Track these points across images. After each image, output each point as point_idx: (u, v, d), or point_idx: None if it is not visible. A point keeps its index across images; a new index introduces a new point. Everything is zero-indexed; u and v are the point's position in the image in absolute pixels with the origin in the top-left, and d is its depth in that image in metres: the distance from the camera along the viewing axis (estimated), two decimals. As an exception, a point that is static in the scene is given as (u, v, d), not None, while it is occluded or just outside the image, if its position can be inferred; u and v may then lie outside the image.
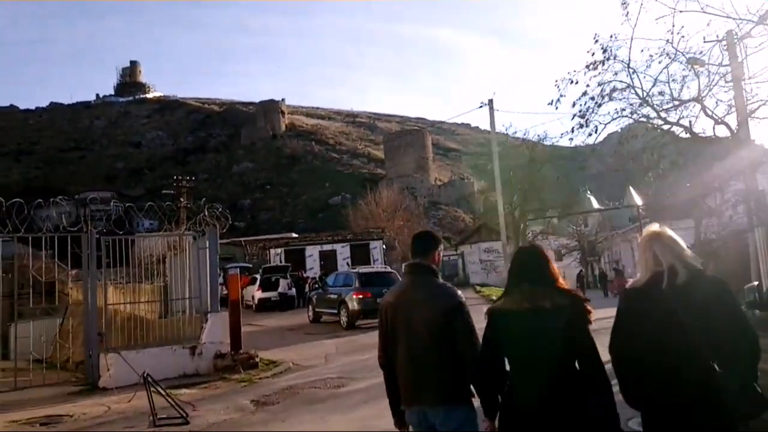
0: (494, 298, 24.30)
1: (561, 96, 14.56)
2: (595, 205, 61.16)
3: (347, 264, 31.12)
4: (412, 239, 3.29)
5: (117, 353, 9.36)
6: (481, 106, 25.81)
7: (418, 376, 2.91)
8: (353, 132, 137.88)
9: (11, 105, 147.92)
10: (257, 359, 10.50)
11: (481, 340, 2.76)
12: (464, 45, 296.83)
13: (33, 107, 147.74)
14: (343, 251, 33.42)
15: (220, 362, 10.05)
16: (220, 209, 10.83)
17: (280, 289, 25.46)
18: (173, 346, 10.03)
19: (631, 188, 67.21)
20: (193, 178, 32.70)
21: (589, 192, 63.05)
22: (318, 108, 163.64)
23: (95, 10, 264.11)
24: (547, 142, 35.25)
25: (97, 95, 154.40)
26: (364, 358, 11.36)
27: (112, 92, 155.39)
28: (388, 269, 19.97)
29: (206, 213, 10.72)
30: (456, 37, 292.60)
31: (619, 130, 16.17)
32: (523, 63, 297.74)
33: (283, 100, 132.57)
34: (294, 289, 26.16)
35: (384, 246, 35.60)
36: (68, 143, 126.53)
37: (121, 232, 9.98)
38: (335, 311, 17.44)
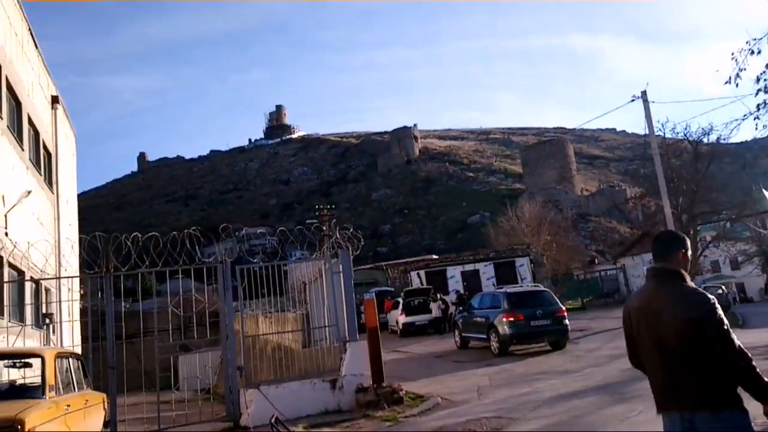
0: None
1: (740, 70, 12.05)
2: (773, 204, 52.82)
3: (492, 284, 29.28)
4: (653, 241, 3.12)
5: (257, 389, 8.84)
6: (632, 100, 23.01)
7: (675, 381, 2.83)
8: (487, 149, 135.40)
9: (178, 156, 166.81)
10: (402, 393, 9.43)
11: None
12: (599, 47, 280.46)
13: (196, 156, 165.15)
14: (486, 270, 31.56)
15: (362, 397, 9.14)
16: (351, 230, 10.08)
17: (434, 313, 24.35)
18: (313, 380, 9.33)
19: (816, 183, 57.35)
20: (334, 207, 33.29)
21: (765, 190, 54.75)
22: (450, 129, 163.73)
23: (241, 65, 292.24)
24: (714, 136, 30.66)
25: (250, 140, 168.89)
26: (523, 392, 9.81)
27: (262, 136, 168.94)
28: (541, 287, 18.00)
29: (338, 235, 10.02)
30: (589, 41, 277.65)
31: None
32: (667, 59, 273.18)
33: (415, 125, 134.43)
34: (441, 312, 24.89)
35: (531, 263, 33.12)
36: (227, 185, 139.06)
37: (254, 261, 9.60)
38: (484, 336, 15.90)
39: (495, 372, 12.44)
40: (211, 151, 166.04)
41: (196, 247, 8.87)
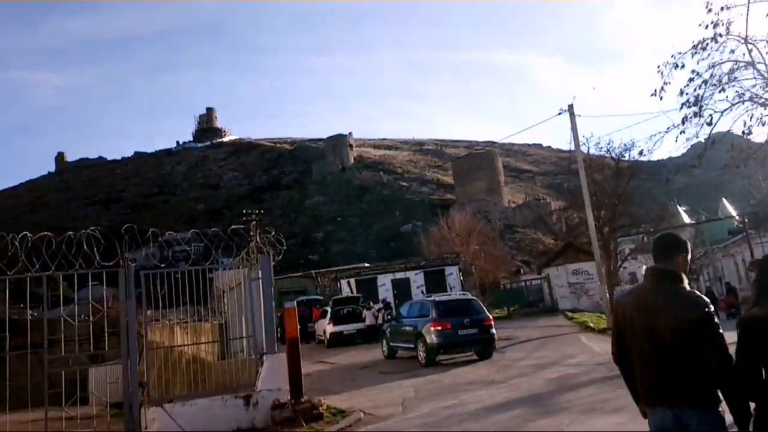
0: (591, 325, 21.21)
1: (665, 84, 12.42)
2: (687, 219, 56.29)
3: (422, 292, 29.25)
4: (654, 243, 3.21)
5: (160, 407, 8.02)
6: (560, 113, 23.75)
7: (665, 378, 2.90)
8: (421, 160, 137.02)
9: (100, 156, 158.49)
10: (322, 408, 8.86)
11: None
12: (528, 66, 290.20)
13: (119, 157, 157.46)
14: (416, 279, 31.56)
15: (278, 414, 8.50)
16: (273, 233, 9.43)
17: (368, 321, 23.72)
18: (225, 396, 8.59)
19: (724, 200, 61.61)
20: (262, 211, 32.22)
21: (679, 205, 58.21)
22: (385, 139, 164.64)
23: (170, 64, 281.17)
24: (635, 151, 32.13)
25: (178, 142, 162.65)
26: (449, 404, 9.48)
27: (191, 138, 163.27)
28: (469, 296, 17.92)
29: (258, 239, 9.34)
30: (518, 59, 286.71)
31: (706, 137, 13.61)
32: (593, 79, 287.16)
33: (350, 133, 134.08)
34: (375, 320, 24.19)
35: (460, 272, 33.38)
36: (152, 189, 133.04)
37: (163, 266, 8.76)
38: (412, 346, 15.59)
39: (421, 383, 12.09)
40: (136, 153, 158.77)
41: (95, 249, 7.95)
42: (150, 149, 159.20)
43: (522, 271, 56.79)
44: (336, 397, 10.93)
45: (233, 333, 11.21)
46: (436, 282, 30.78)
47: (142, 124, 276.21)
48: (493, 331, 15.42)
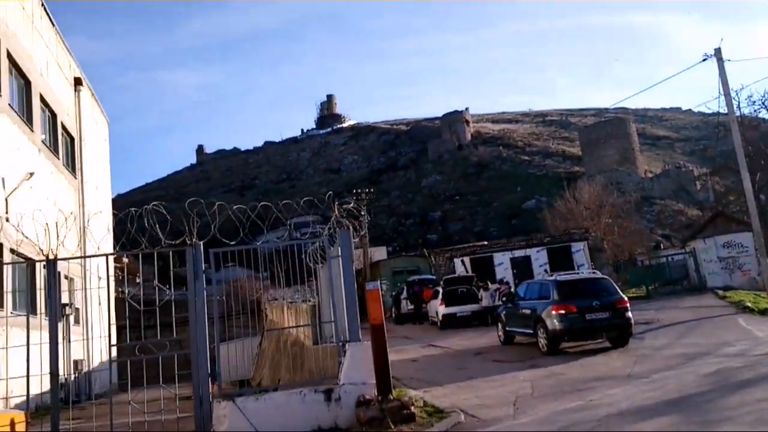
0: (749, 305, 17.68)
1: None
2: None
3: (545, 271, 26.85)
4: None
5: (232, 401, 7.16)
6: (704, 59, 20.07)
7: None
8: (544, 132, 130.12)
9: (234, 147, 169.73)
10: (413, 409, 7.52)
11: None
12: (662, 26, 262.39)
13: (251, 147, 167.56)
14: (538, 257, 29.09)
15: (363, 412, 7.30)
16: (352, 204, 8.21)
17: (484, 302, 22.07)
18: (303, 390, 7.54)
19: None
20: (372, 190, 31.58)
21: None
22: (504, 113, 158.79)
23: (292, 56, 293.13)
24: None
25: (302, 130, 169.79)
26: (572, 407, 7.68)
27: (314, 126, 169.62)
28: (598, 274, 15.55)
29: (337, 213, 8.17)
30: (651, 19, 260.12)
31: None
32: (736, 36, 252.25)
33: (466, 109, 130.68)
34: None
35: (589, 248, 30.33)
36: (281, 176, 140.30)
37: (233, 243, 7.87)
38: (530, 332, 13.76)
39: (540, 376, 10.32)
40: (266, 142, 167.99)
41: (156, 226, 7.24)
42: (278, 138, 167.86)
43: (662, 246, 51.28)
44: (439, 389, 9.60)
45: (323, 316, 10.28)
46: (561, 260, 28.16)
47: (270, 114, 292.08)
48: (629, 314, 13.11)
